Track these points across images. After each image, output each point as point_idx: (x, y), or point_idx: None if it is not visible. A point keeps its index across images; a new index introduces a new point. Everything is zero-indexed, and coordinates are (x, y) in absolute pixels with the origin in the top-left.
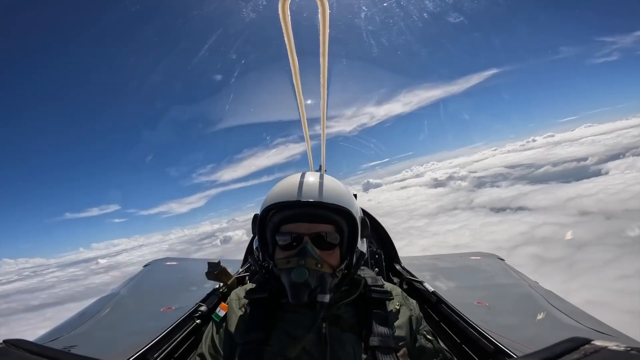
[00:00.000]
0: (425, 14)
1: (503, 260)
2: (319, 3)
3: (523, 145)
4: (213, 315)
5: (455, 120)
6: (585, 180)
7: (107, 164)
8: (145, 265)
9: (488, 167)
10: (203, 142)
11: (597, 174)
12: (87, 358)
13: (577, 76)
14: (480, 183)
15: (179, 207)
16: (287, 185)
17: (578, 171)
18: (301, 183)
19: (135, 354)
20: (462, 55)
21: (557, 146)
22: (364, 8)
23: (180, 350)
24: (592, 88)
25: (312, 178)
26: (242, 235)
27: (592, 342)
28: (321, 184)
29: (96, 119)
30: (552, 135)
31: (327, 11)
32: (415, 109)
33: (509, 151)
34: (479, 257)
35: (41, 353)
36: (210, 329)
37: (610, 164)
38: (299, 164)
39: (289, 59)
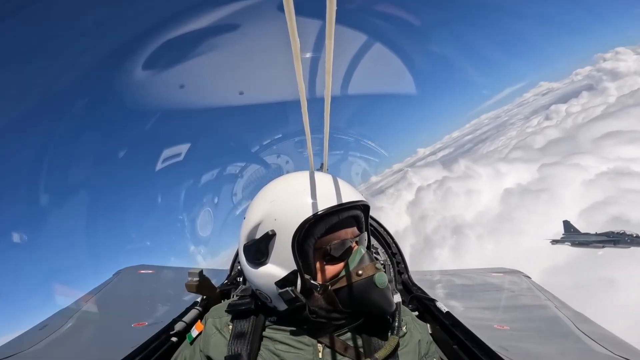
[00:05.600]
0: None
1: (529, 277)
2: None
3: None
4: (187, 335)
5: None
6: None
7: None
8: (115, 274)
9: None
10: None
11: None
12: None
13: None
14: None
15: None
16: (313, 189)
17: None
18: (328, 185)
19: None
20: None
21: None
22: None
23: None
24: None
25: (328, 178)
26: None
27: None
28: (341, 182)
29: None
30: None
31: (334, 7)
32: None
33: None
34: (501, 274)
35: None
36: (180, 351)
37: None
38: None
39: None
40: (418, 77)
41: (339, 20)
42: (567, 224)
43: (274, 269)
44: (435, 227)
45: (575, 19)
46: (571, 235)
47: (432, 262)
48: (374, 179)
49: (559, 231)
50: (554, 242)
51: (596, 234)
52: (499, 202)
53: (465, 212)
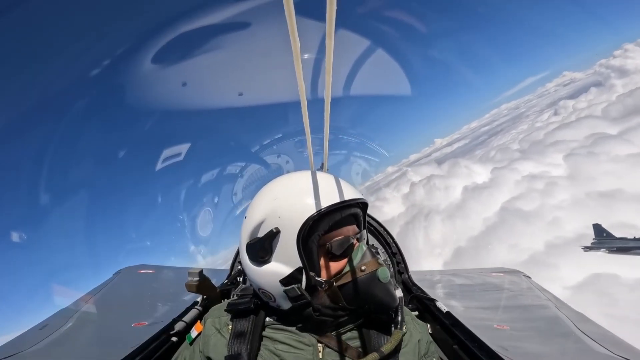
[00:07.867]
0: None
1: (529, 277)
2: None
3: None
4: (187, 336)
5: None
6: None
7: None
8: (115, 274)
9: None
10: None
11: None
12: None
13: None
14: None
15: None
16: (315, 186)
17: None
18: (329, 183)
19: None
20: None
21: None
22: None
23: None
24: None
25: (329, 177)
26: None
27: None
28: (342, 181)
29: None
30: None
31: (334, 7)
32: None
33: None
34: (501, 274)
35: None
36: (180, 351)
37: None
38: None
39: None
40: (437, 67)
41: (350, 20)
42: (597, 228)
43: (279, 267)
44: (417, 214)
45: (603, 6)
46: (604, 240)
47: (413, 238)
48: (390, 169)
49: (488, 216)
50: (586, 248)
51: (634, 239)
52: (460, 197)
53: (440, 203)
